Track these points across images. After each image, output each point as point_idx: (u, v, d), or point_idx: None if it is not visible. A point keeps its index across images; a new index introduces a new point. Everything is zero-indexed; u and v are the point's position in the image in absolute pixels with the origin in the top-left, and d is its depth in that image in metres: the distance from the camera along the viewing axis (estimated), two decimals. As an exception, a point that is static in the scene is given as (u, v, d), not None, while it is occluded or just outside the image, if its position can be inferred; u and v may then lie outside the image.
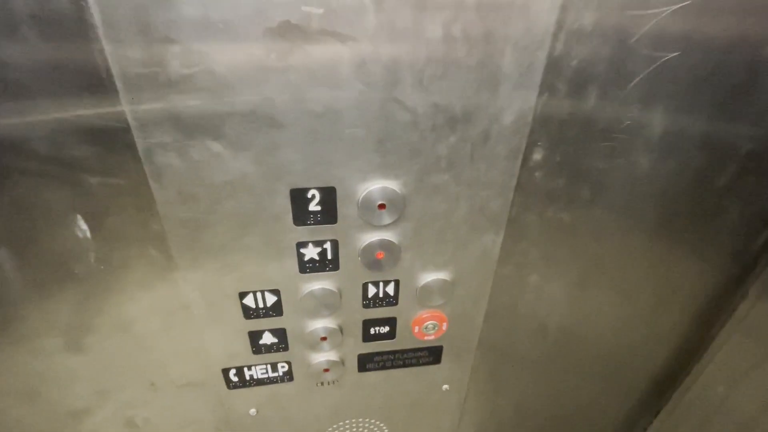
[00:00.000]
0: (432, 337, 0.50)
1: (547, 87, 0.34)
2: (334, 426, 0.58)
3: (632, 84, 0.35)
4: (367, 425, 0.59)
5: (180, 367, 0.46)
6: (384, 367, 0.52)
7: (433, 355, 0.53)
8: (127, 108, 0.30)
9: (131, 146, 0.31)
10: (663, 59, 0.34)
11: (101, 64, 0.28)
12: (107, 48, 0.27)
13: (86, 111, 0.29)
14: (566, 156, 0.39)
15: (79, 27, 0.26)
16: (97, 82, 0.28)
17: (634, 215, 0.45)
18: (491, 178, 0.39)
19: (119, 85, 0.29)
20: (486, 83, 0.33)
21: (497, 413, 0.64)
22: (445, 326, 0.49)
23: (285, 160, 0.34)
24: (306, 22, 0.28)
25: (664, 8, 0.32)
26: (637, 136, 0.39)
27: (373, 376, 0.53)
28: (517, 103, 0.34)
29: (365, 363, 0.51)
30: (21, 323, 0.39)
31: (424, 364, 0.53)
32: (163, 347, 0.43)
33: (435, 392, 0.57)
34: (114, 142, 0.31)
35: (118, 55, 0.28)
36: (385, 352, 0.51)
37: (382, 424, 0.60)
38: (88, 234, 0.35)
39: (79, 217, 0.34)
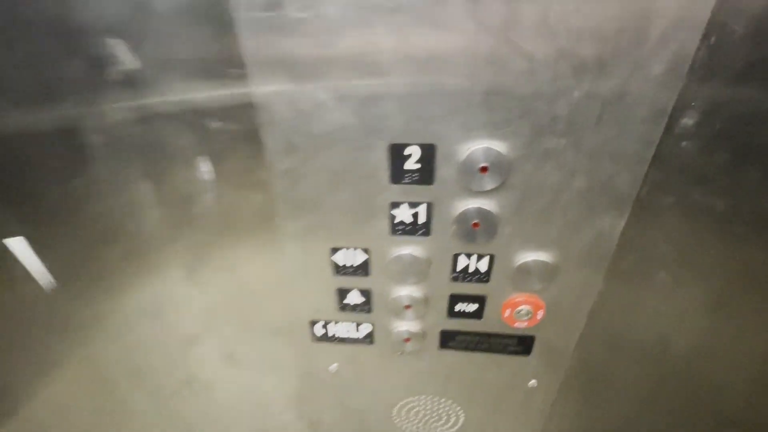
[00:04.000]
0: (524, 325, 0.46)
1: (716, 27, 0.27)
2: (410, 399, 0.57)
3: None
4: (443, 406, 0.57)
5: (273, 313, 0.49)
6: (467, 348, 0.49)
7: (522, 345, 0.48)
8: (246, 54, 0.31)
9: (249, 94, 0.33)
10: None
11: (224, 7, 0.30)
12: (233, -8, 0.29)
13: (209, 55, 0.32)
14: (730, 124, 0.31)
15: (211, -29, 0.28)
16: (220, 28, 0.30)
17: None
18: (621, 146, 0.33)
19: (240, 30, 0.30)
20: (631, 19, 0.27)
21: (591, 425, 0.57)
22: (540, 315, 0.44)
23: (385, 113, 0.33)
24: (422, -46, 0.26)
25: None
26: None
27: (455, 356, 0.51)
28: (672, 48, 0.28)
29: (447, 340, 0.49)
30: (151, 254, 0.45)
31: (511, 353, 0.49)
32: (261, 291, 0.47)
33: (520, 387, 0.53)
34: (233, 88, 0.33)
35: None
36: (469, 332, 0.48)
37: (459, 409, 0.57)
38: (209, 176, 0.38)
39: (202, 159, 0.37)
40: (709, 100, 0.30)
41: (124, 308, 0.50)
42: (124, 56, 0.32)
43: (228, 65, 0.32)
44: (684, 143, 0.32)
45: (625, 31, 0.27)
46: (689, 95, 0.30)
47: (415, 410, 0.58)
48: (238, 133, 0.35)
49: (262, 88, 0.33)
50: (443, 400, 0.57)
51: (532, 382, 0.52)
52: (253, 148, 0.36)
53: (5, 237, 0.42)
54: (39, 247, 0.44)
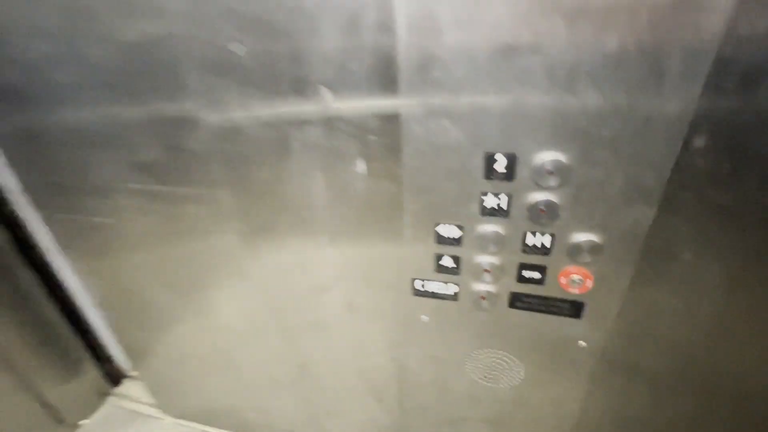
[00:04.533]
0: (576, 291, 0.60)
1: (713, 84, 0.42)
2: (481, 350, 0.73)
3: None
4: (506, 359, 0.73)
5: (387, 271, 0.68)
6: (530, 309, 0.65)
7: (574, 309, 0.63)
8: (402, 89, 0.51)
9: (397, 117, 0.53)
10: None
11: (390, 56, 0.50)
12: (400, 38, 0.49)
13: (380, 101, 0.52)
14: (730, 145, 0.45)
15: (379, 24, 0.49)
16: (386, 77, 0.50)
17: (814, 210, 0.47)
18: (649, 157, 0.48)
19: (401, 75, 0.50)
20: (651, 78, 0.43)
21: (630, 387, 0.69)
22: (589, 283, 0.59)
23: (483, 131, 0.51)
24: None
25: None
26: (814, 128, 0.42)
27: (520, 315, 0.66)
28: (680, 97, 0.43)
29: (515, 301, 0.65)
30: (309, 223, 0.67)
31: (565, 315, 0.64)
32: (381, 254, 0.67)
33: (572, 346, 0.67)
34: (388, 111, 0.53)
35: (407, 47, 0.49)
36: (533, 295, 0.63)
37: (519, 363, 0.72)
38: (361, 171, 0.59)
39: (361, 160, 0.58)
40: (711, 131, 0.44)
41: (282, 261, 0.73)
42: (327, 95, 0.54)
43: (385, 94, 0.52)
44: (697, 157, 0.47)
45: (647, 84, 0.43)
46: (697, 127, 0.44)
47: (484, 361, 0.74)
48: (386, 143, 0.55)
49: (407, 112, 0.52)
50: (507, 354, 0.72)
51: (582, 343, 0.66)
52: (394, 153, 0.56)
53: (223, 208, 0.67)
54: (242, 214, 0.68)
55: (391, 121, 0.54)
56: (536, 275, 0.61)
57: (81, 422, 1.50)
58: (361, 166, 0.58)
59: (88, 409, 1.51)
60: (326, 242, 0.68)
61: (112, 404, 1.58)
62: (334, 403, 0.95)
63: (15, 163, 0.78)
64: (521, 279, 0.62)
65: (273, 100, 0.56)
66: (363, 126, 0.55)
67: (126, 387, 1.66)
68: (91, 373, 1.51)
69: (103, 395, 1.57)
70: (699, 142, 0.46)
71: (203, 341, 0.94)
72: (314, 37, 0.50)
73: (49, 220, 0.85)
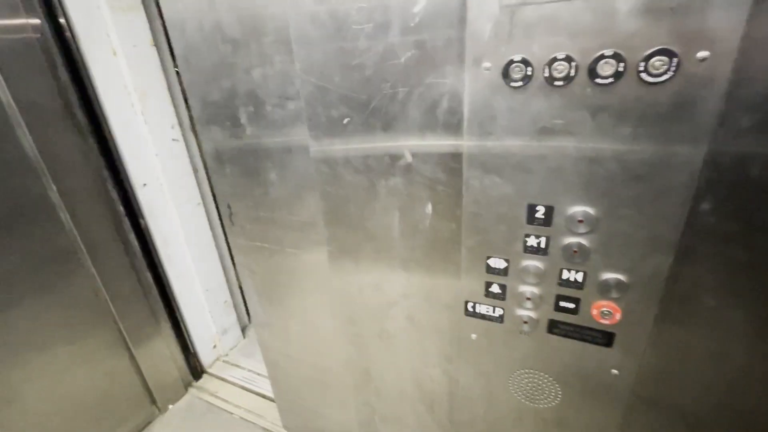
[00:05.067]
0: (607, 323, 0.71)
1: (711, 161, 0.54)
2: (522, 370, 0.85)
3: (788, 163, 0.51)
4: (545, 380, 0.83)
5: (445, 293, 0.84)
6: (566, 335, 0.76)
7: (606, 338, 0.73)
8: (465, 153, 0.69)
9: (460, 172, 0.70)
10: (816, 149, 0.49)
11: (457, 111, 0.68)
12: (465, 118, 0.67)
13: (445, 142, 0.70)
14: (734, 208, 0.56)
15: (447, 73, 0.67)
16: (453, 128, 0.68)
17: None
18: (664, 214, 0.60)
19: (464, 130, 0.68)
20: (658, 159, 0.56)
21: (663, 421, 0.76)
22: (618, 316, 0.70)
23: (527, 187, 0.67)
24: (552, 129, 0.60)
25: (810, 117, 0.48)
26: (800, 200, 0.52)
27: (557, 341, 0.78)
28: (684, 169, 0.56)
29: (552, 327, 0.77)
30: (386, 251, 0.85)
31: (597, 343, 0.74)
32: (441, 280, 0.82)
33: (605, 373, 0.77)
34: (453, 169, 0.71)
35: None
36: (568, 323, 0.75)
37: (557, 384, 0.82)
38: (430, 212, 0.76)
39: (430, 204, 0.75)
40: (715, 195, 0.56)
41: (361, 281, 0.91)
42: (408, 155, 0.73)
43: (455, 153, 0.70)
44: (703, 216, 0.58)
45: (654, 161, 0.57)
46: (701, 192, 0.56)
47: (525, 381, 0.85)
48: (450, 192, 0.73)
49: (468, 172, 0.70)
50: (546, 375, 0.83)
51: (615, 371, 0.76)
52: (456, 199, 0.73)
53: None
54: (333, 239, 0.88)
55: (454, 174, 0.71)
56: (571, 305, 0.73)
57: (170, 407, 1.76)
58: (429, 209, 0.76)
59: (176, 396, 1.78)
60: (398, 266, 0.86)
61: (192, 395, 1.84)
62: (391, 408, 1.09)
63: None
64: (558, 308, 0.74)
65: (367, 155, 0.77)
66: (433, 178, 0.73)
67: (204, 381, 1.92)
68: (180, 364, 1.78)
69: (187, 385, 1.84)
70: (704, 206, 0.58)
71: (293, 341, 1.14)
72: (402, 116, 0.70)
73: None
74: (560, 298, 0.74)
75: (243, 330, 2.24)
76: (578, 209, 0.65)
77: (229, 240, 1.08)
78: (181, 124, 1.69)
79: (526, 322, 0.78)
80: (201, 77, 0.87)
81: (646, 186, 0.59)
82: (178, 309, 1.75)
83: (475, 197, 0.71)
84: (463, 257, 0.78)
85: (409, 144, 0.72)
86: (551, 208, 0.67)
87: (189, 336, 1.83)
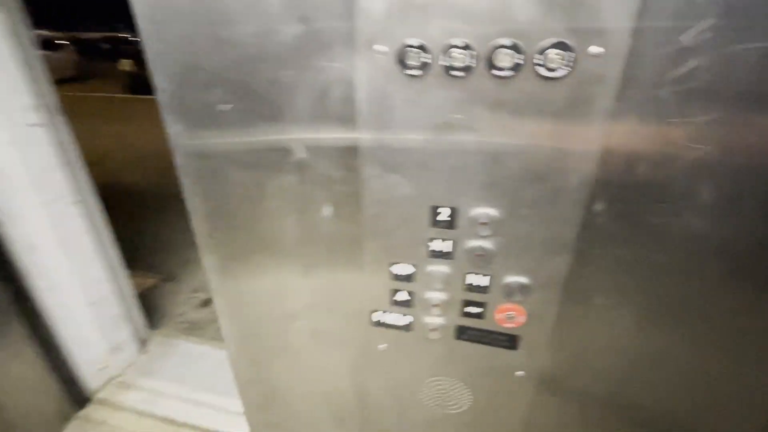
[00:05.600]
0: (512, 326, 0.69)
1: (602, 161, 0.53)
2: (434, 378, 0.81)
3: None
4: (456, 386, 0.80)
5: (349, 303, 0.76)
6: (473, 340, 0.73)
7: (511, 341, 0.71)
8: (362, 148, 0.61)
9: (359, 170, 0.63)
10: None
11: (351, 120, 0.60)
12: (359, 110, 0.59)
13: (340, 135, 0.62)
14: (622, 208, 0.56)
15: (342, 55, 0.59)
16: (348, 120, 0.60)
17: (694, 266, 0.57)
18: (562, 215, 0.58)
19: (359, 122, 0.60)
20: (555, 159, 0.54)
21: (566, 411, 0.77)
22: (522, 319, 0.68)
23: (430, 188, 0.61)
24: (450, 125, 0.55)
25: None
26: (687, 200, 0.53)
27: (467, 347, 0.75)
28: (579, 169, 0.54)
29: (460, 333, 0.73)
30: (285, 256, 0.75)
31: (503, 347, 0.72)
32: (344, 288, 0.75)
33: (511, 375, 0.75)
34: (351, 165, 0.63)
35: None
36: (475, 328, 0.72)
37: (467, 389, 0.80)
38: (329, 214, 0.68)
39: (328, 205, 0.67)
40: (608, 197, 0.55)
41: (258, 288, 0.80)
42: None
43: (348, 143, 0.62)
44: (597, 217, 0.57)
45: (552, 165, 0.54)
46: (595, 194, 0.55)
47: (436, 388, 0.82)
48: (349, 191, 0.65)
49: (366, 170, 0.62)
50: (457, 381, 0.80)
51: (520, 373, 0.75)
52: (356, 200, 0.65)
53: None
54: (219, 243, 0.76)
55: (353, 172, 0.63)
56: (477, 311, 0.70)
57: (44, 445, 1.49)
58: (328, 210, 0.67)
59: (52, 432, 1.50)
60: (299, 274, 0.76)
61: (74, 428, 1.57)
62: (299, 426, 1.00)
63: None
64: (465, 314, 0.71)
65: (253, 149, 0.66)
66: (330, 176, 0.65)
67: (91, 409, 1.65)
68: (54, 393, 1.51)
69: (66, 417, 1.56)
70: (597, 206, 0.56)
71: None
72: (290, 104, 0.60)
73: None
74: (467, 303, 0.70)
75: (143, 343, 1.98)
76: (481, 211, 0.61)
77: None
78: (48, 108, 1.40)
79: (434, 330, 0.74)
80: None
81: (545, 186, 0.57)
82: (49, 327, 1.47)
83: (375, 198, 0.64)
84: (367, 264, 0.71)
85: (300, 137, 0.63)
86: (455, 209, 0.62)
87: (67, 358, 1.55)
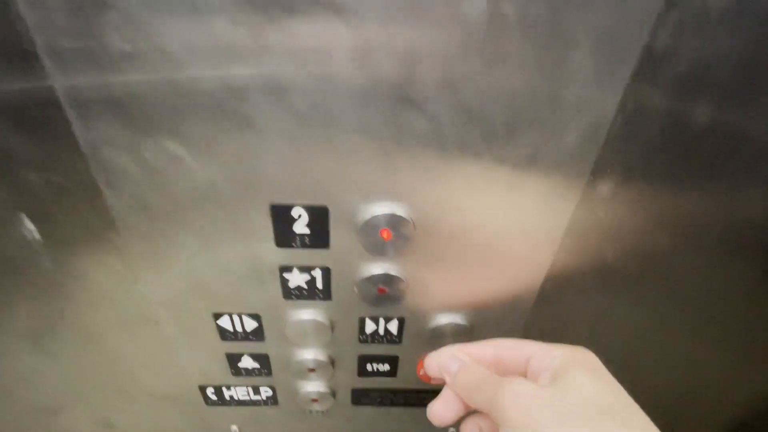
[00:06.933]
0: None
1: (632, 92, 0.23)
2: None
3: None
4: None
5: (154, 380, 0.41)
6: (382, 404, 0.45)
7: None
8: (60, 91, 0.23)
9: (73, 139, 0.25)
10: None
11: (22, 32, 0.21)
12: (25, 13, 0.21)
13: (11, 86, 0.23)
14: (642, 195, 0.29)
15: (-16, -19, 0.20)
16: (19, 54, 0.22)
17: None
18: (535, 214, 0.29)
19: (46, 60, 0.22)
20: (545, 85, 0.23)
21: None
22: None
23: (263, 171, 0.27)
24: (284, -14, 0.20)
25: None
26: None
27: (371, 411, 0.46)
28: (589, 115, 0.24)
29: (360, 397, 0.44)
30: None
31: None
32: (133, 359, 0.39)
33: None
34: (52, 131, 0.25)
35: (39, 21, 0.21)
36: (384, 389, 0.44)
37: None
38: (37, 236, 0.29)
39: (23, 216, 0.28)
40: (626, 158, 0.27)
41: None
42: None
43: (40, 102, 0.24)
44: (599, 212, 0.29)
45: (537, 96, 0.23)
46: (606, 163, 0.26)
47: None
48: (70, 188, 0.27)
49: (89, 134, 0.25)
50: (361, 450, 0.52)
51: (452, 430, 0.50)
52: (95, 205, 0.28)
53: None
54: None
55: (65, 144, 0.25)
56: (385, 367, 0.41)
57: None
58: (29, 228, 0.29)
59: None
60: (27, 349, 0.38)
61: None
62: None
63: None
64: (365, 373, 0.41)
65: None
66: (6, 151, 0.26)
67: None
68: None
69: None
70: (604, 187, 0.28)
71: None
72: None
73: None
74: (366, 358, 0.40)
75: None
76: (379, 209, 0.29)
77: None
78: None
79: (316, 400, 0.43)
80: None
81: (507, 154, 0.26)
82: None
83: (133, 196, 0.28)
84: (162, 319, 0.36)
85: None
86: (323, 211, 0.29)
87: None
